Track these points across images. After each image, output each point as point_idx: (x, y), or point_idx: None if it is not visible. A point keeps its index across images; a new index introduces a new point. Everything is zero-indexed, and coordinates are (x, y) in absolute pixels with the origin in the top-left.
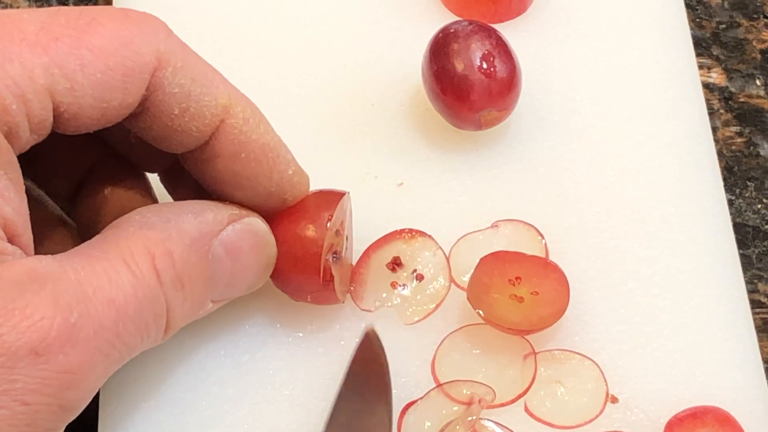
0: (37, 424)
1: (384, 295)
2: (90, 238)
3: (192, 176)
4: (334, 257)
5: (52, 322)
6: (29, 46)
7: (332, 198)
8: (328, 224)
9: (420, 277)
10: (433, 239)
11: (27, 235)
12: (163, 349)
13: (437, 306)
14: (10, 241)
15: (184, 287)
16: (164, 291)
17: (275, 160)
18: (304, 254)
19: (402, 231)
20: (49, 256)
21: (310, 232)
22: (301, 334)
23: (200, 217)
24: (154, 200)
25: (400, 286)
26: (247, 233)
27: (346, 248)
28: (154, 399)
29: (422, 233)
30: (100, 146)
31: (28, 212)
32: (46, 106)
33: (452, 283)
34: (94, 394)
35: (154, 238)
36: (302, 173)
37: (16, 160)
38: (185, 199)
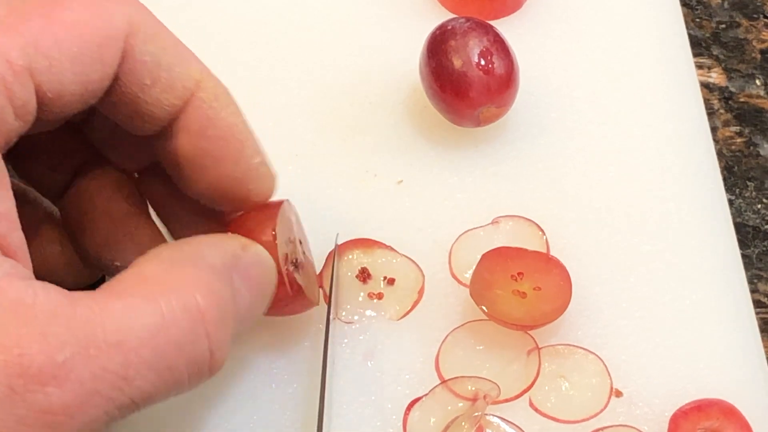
0: None
1: (362, 306)
2: (76, 239)
3: (167, 179)
4: (293, 266)
5: (33, 359)
6: (1, 30)
7: (270, 211)
8: (276, 239)
9: (391, 281)
10: (391, 249)
11: (15, 236)
12: None
13: (420, 294)
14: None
15: (225, 325)
16: (208, 331)
17: (243, 144)
18: None
19: (358, 241)
20: (61, 289)
21: None
22: (303, 333)
23: (218, 249)
24: (138, 204)
25: (375, 296)
26: (257, 262)
27: (303, 252)
28: None
29: (380, 243)
30: (84, 147)
31: (16, 211)
32: (28, 87)
33: (454, 280)
34: None
35: (191, 276)
36: (270, 168)
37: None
38: (162, 204)
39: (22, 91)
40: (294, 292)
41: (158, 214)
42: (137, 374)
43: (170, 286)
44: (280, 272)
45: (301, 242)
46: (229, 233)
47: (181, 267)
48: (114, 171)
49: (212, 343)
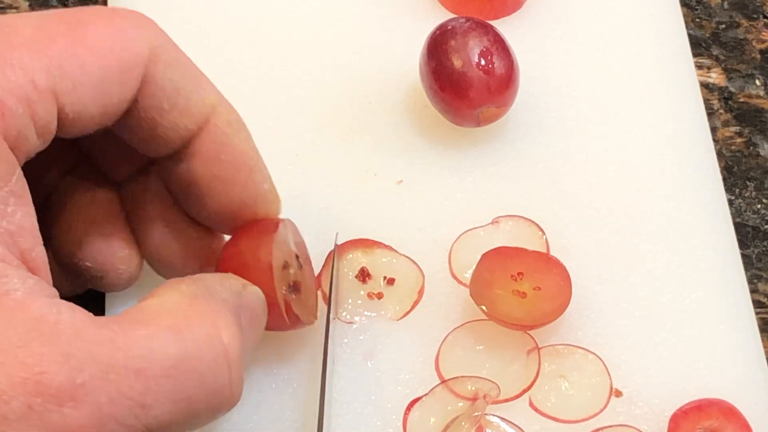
0: None
1: (362, 306)
2: (50, 238)
3: (154, 190)
4: (291, 290)
5: (53, 378)
6: (28, 51)
7: (266, 238)
8: (273, 272)
9: (391, 281)
10: (391, 249)
11: (38, 251)
12: None
13: (420, 294)
14: (23, 261)
15: (242, 360)
16: (230, 364)
17: (253, 169)
18: None
19: (358, 241)
20: (84, 311)
21: (260, 284)
22: (304, 332)
23: (226, 289)
24: (117, 211)
25: (375, 296)
26: (255, 301)
27: (301, 265)
28: None
29: (380, 243)
30: (74, 152)
31: (37, 226)
32: (51, 108)
33: (454, 280)
34: None
35: (213, 311)
36: (276, 193)
37: (20, 171)
38: (148, 216)
39: (44, 112)
40: (291, 321)
41: (132, 222)
42: (155, 403)
43: (194, 318)
44: (277, 304)
45: (298, 257)
46: (229, 273)
47: (203, 300)
48: (98, 176)
49: (233, 376)
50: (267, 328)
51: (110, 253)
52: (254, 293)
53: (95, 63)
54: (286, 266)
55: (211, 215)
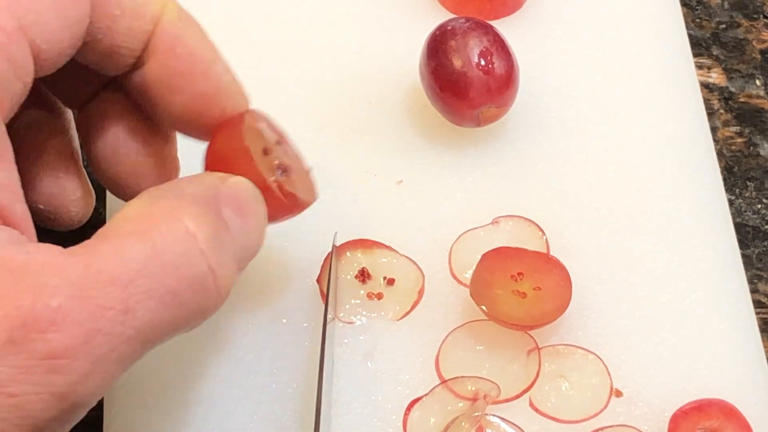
0: (28, 417)
1: (362, 306)
2: None
3: (113, 111)
4: (282, 171)
5: (30, 308)
6: None
7: (233, 127)
8: (251, 155)
9: (391, 281)
10: (391, 249)
11: (18, 208)
12: (168, 350)
13: (420, 294)
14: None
15: (222, 246)
16: (202, 249)
17: (212, 60)
18: None
19: (358, 241)
20: (55, 246)
21: (245, 174)
22: (304, 333)
23: (197, 184)
24: (72, 151)
25: (375, 296)
26: (239, 190)
27: (286, 152)
28: (158, 399)
29: (380, 243)
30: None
31: (19, 183)
32: (24, 47)
33: (454, 280)
34: (104, 379)
35: (175, 206)
36: (240, 86)
37: (3, 127)
38: (99, 140)
39: (20, 52)
40: (289, 200)
41: (91, 154)
42: (137, 305)
43: (155, 218)
44: (269, 188)
45: (279, 143)
46: (207, 172)
47: (163, 200)
48: (49, 118)
49: (210, 260)
50: (270, 217)
51: (63, 195)
52: (235, 182)
53: None
54: (267, 152)
55: (179, 116)
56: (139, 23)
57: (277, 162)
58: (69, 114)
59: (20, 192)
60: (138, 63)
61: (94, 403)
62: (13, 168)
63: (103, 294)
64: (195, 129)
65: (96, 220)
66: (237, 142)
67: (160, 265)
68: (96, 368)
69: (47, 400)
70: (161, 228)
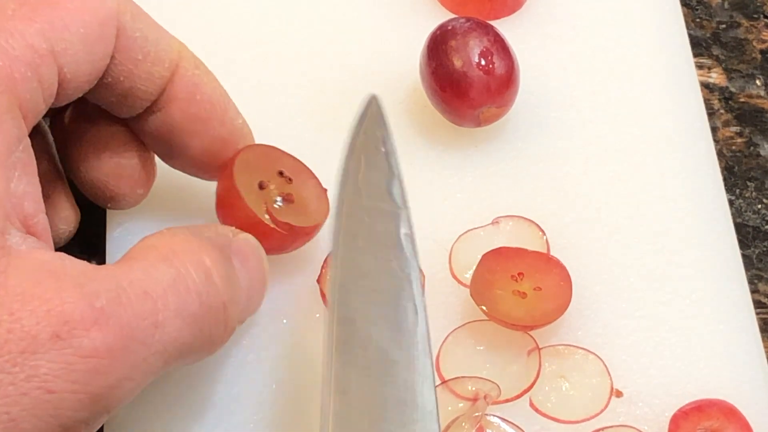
0: (63, 415)
1: None
2: None
3: (88, 116)
4: (282, 200)
5: (75, 306)
6: (20, 20)
7: (227, 167)
8: (239, 191)
9: None
10: None
11: (41, 219)
12: None
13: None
14: (24, 225)
15: (233, 287)
16: (218, 284)
17: (227, 105)
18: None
19: None
20: (76, 259)
21: (238, 210)
22: (304, 333)
23: (213, 232)
24: (59, 169)
25: None
26: (249, 245)
27: (290, 179)
28: (158, 399)
29: None
30: None
31: (41, 195)
32: (53, 70)
33: (454, 280)
34: (132, 388)
35: (195, 243)
36: (248, 127)
37: (28, 140)
38: (89, 147)
39: (49, 74)
40: (284, 230)
41: (69, 159)
42: (166, 320)
43: (178, 249)
44: (260, 221)
45: (282, 173)
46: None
47: (185, 237)
48: (40, 136)
49: (224, 296)
50: (276, 248)
51: (52, 213)
52: (245, 238)
53: (77, 21)
54: (263, 186)
55: (195, 158)
56: (158, 69)
57: (277, 195)
58: (49, 134)
59: (42, 203)
60: (152, 107)
61: (112, 413)
62: (37, 180)
63: (138, 304)
64: (208, 171)
65: (80, 238)
66: (229, 182)
67: (186, 289)
68: (131, 374)
69: (83, 400)
70: (184, 258)
